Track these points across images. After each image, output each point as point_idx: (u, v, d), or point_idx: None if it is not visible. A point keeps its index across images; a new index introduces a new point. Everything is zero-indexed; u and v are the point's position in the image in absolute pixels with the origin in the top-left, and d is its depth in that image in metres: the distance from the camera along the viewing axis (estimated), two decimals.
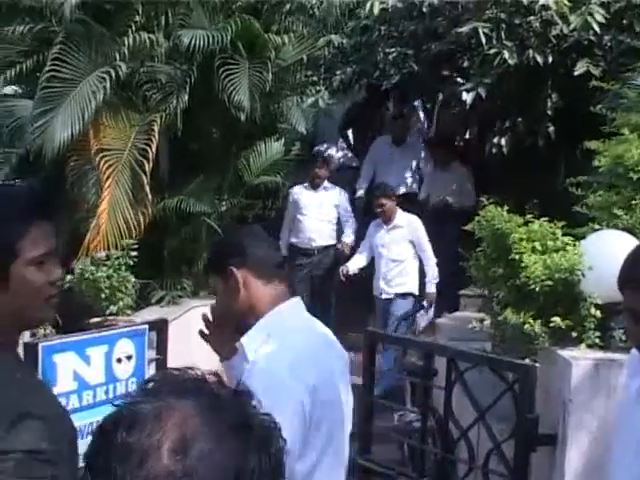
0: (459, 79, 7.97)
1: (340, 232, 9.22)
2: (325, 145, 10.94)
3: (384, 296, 8.38)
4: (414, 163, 9.96)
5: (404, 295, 8.28)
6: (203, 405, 1.08)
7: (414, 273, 8.38)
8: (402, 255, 8.35)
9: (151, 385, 1.13)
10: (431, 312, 8.49)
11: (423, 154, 10.03)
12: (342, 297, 9.12)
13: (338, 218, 9.20)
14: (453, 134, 10.29)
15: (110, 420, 1.08)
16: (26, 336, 4.88)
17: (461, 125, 10.13)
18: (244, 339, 2.55)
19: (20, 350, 4.38)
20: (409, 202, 9.25)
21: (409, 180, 9.88)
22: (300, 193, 9.18)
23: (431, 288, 8.28)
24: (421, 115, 11.42)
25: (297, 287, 8.80)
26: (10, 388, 1.82)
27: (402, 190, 9.58)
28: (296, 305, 2.60)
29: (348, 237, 9.17)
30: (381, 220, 8.41)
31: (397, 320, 8.06)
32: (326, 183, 9.18)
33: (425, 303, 8.35)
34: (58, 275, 2.00)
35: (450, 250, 8.78)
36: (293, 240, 9.13)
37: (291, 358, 2.41)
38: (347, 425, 2.58)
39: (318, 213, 9.09)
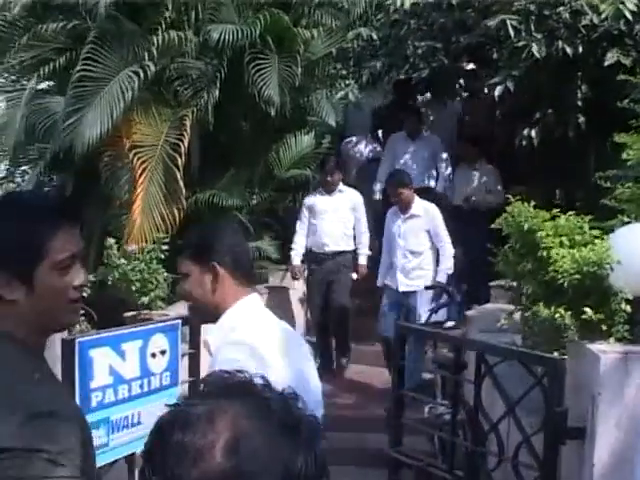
0: (487, 72, 7.95)
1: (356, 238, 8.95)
2: (354, 139, 10.93)
3: (402, 289, 8.10)
4: (429, 157, 9.82)
5: (427, 288, 7.94)
6: (252, 406, 1.14)
7: (432, 265, 8.14)
8: (421, 246, 8.11)
9: (202, 387, 1.20)
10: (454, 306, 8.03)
11: (441, 145, 9.94)
12: (360, 306, 9.09)
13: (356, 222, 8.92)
14: (479, 129, 10.20)
15: (166, 420, 1.15)
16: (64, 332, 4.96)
17: (488, 119, 10.07)
18: (209, 338, 2.72)
19: (58, 346, 4.50)
20: (425, 196, 9.10)
21: (425, 174, 9.77)
22: (315, 199, 8.92)
23: (442, 278, 8.03)
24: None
25: (312, 292, 8.89)
26: (27, 388, 1.83)
27: (418, 184, 9.37)
28: (256, 300, 2.79)
29: (364, 249, 8.90)
30: (397, 208, 8.18)
31: (427, 312, 7.66)
32: (341, 186, 8.92)
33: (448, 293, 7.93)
34: (83, 279, 1.99)
35: (477, 251, 8.83)
36: (309, 245, 8.89)
37: (257, 344, 2.57)
38: (319, 411, 2.64)
39: (334, 218, 8.81)
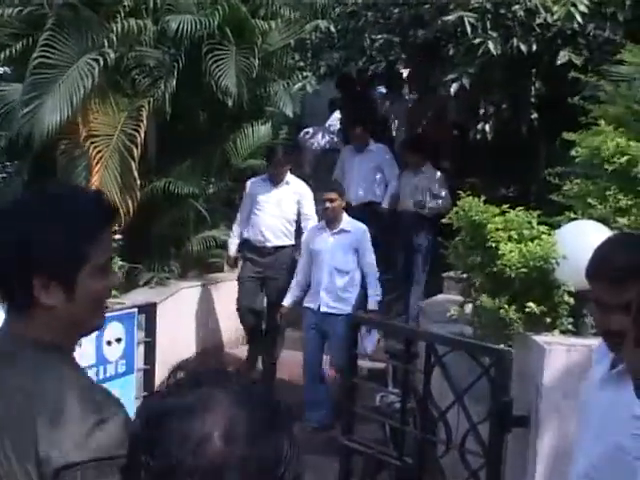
0: (442, 69, 8.05)
1: (300, 232, 8.21)
2: (311, 130, 11.01)
3: (325, 309, 7.27)
4: (375, 170, 9.44)
5: (348, 314, 6.91)
6: (239, 395, 1.23)
7: (357, 288, 7.40)
8: (348, 265, 7.36)
9: (185, 377, 1.28)
10: (375, 333, 7.43)
11: (387, 158, 9.53)
12: None
13: (299, 216, 8.26)
14: (431, 127, 10.11)
15: (161, 408, 1.22)
16: None
17: (439, 116, 10.12)
18: None
19: None
20: (372, 211, 9.11)
21: (370, 190, 9.46)
22: (258, 187, 8.34)
23: (374, 305, 7.31)
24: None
25: (246, 285, 8.19)
26: (81, 395, 1.75)
27: (363, 199, 9.34)
28: None
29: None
30: (324, 223, 7.47)
31: (341, 341, 6.62)
32: (288, 177, 8.30)
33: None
34: (116, 281, 1.96)
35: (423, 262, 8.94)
36: (246, 235, 8.33)
37: None
38: None
39: (276, 211, 8.22)
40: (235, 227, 8.49)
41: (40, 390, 1.72)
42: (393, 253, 9.31)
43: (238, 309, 8.26)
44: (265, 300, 8.33)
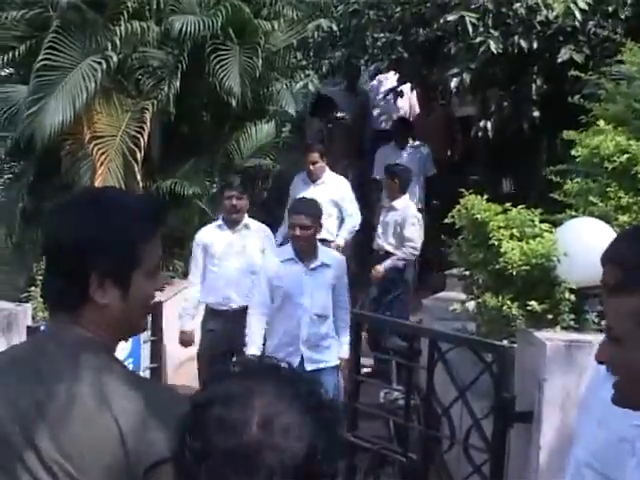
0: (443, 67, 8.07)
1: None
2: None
3: (310, 367, 5.78)
4: (330, 204, 7.86)
5: (333, 368, 5.92)
6: (283, 388, 1.31)
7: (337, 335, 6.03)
8: (327, 308, 5.90)
9: (236, 369, 1.36)
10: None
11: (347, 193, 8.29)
12: None
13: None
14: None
15: (204, 397, 1.31)
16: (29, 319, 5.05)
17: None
18: None
19: (23, 333, 4.59)
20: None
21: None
22: (211, 236, 6.71)
23: (346, 353, 5.89)
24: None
25: (203, 353, 6.59)
26: (154, 392, 1.78)
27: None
28: None
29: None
30: (296, 258, 5.84)
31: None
32: (246, 219, 6.76)
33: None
34: (163, 283, 1.96)
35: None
36: (204, 298, 6.72)
37: None
38: None
39: (237, 261, 6.63)
40: (189, 289, 6.96)
41: (111, 389, 1.73)
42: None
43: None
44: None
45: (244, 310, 6.11)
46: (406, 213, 8.13)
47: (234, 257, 6.63)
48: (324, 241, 7.04)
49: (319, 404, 1.33)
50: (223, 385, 1.32)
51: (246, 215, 6.77)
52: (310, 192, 7.56)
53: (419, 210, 8.60)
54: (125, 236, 1.77)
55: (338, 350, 5.92)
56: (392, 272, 8.07)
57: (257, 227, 6.83)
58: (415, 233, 8.09)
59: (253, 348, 5.79)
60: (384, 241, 8.22)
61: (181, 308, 6.79)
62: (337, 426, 1.34)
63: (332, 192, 8.09)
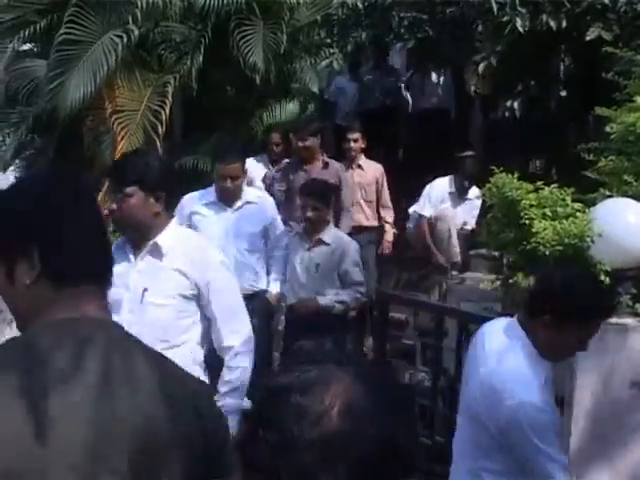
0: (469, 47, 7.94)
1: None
2: None
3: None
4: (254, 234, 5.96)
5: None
6: (360, 376, 1.23)
7: None
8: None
9: (305, 356, 1.29)
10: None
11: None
12: None
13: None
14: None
15: (281, 384, 1.23)
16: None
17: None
18: None
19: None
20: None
21: (247, 270, 5.87)
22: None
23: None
24: None
25: None
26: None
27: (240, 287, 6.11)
28: None
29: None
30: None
31: None
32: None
33: None
34: None
35: None
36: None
37: None
38: None
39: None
40: None
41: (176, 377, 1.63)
42: None
43: None
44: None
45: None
46: None
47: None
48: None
49: (396, 394, 1.26)
50: (295, 373, 1.24)
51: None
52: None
53: None
54: None
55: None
56: None
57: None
58: None
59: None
60: None
61: None
62: (414, 411, 1.26)
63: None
